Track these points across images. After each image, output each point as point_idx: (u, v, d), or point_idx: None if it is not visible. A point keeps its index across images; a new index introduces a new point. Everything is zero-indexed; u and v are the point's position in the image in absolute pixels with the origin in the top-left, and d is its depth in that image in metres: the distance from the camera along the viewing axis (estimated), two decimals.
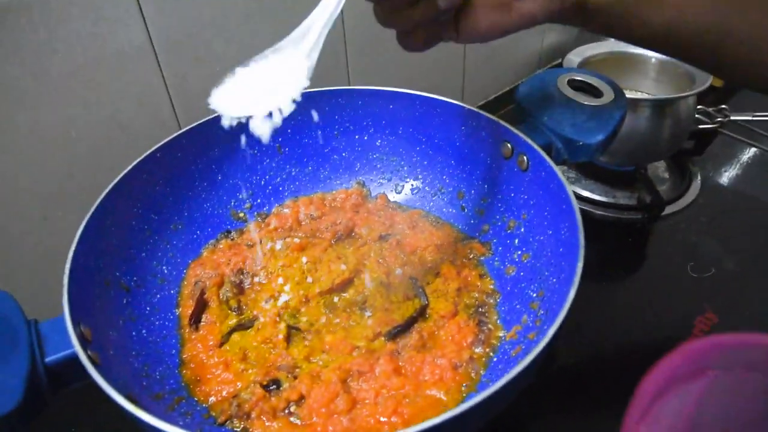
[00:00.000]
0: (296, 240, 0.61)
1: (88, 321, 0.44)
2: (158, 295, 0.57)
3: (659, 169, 0.87)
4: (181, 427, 0.34)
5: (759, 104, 0.95)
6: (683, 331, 0.64)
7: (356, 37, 0.83)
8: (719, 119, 0.90)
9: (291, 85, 0.41)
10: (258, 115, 0.40)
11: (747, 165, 0.90)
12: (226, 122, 0.40)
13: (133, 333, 0.51)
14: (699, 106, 0.90)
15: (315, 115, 0.64)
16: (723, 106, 0.92)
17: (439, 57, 0.98)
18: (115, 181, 0.54)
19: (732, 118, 0.91)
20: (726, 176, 0.87)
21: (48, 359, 0.40)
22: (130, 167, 0.56)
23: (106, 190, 0.53)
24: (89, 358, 0.39)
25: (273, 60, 0.43)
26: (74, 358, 0.40)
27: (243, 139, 0.45)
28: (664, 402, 0.37)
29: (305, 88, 0.42)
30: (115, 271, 0.53)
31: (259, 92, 0.41)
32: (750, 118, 0.94)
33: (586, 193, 0.81)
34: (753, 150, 0.93)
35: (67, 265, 0.45)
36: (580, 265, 0.44)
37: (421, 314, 0.54)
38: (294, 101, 0.41)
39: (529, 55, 1.21)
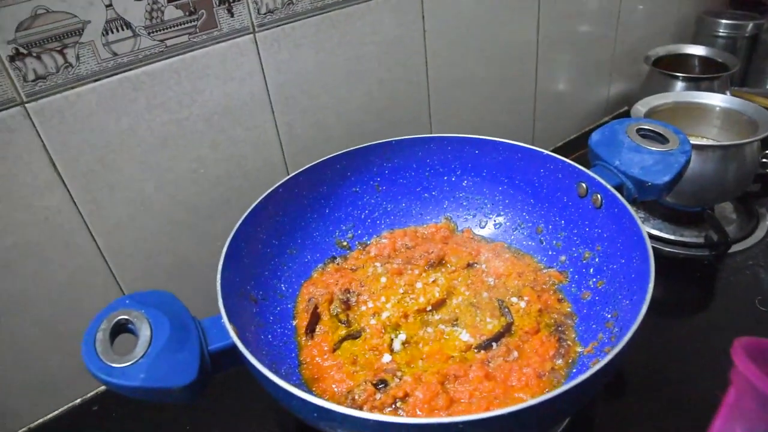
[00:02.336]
0: (395, 265, 0.70)
1: (233, 322, 0.54)
2: (279, 308, 0.67)
3: (726, 210, 0.92)
4: None
5: None
6: None
7: (438, 89, 0.93)
8: None
9: None
10: None
11: None
12: None
13: (261, 337, 0.61)
14: (766, 151, 0.95)
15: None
16: None
17: (511, 107, 1.08)
18: (249, 210, 0.65)
19: None
20: None
21: (211, 347, 0.50)
22: (259, 199, 0.66)
23: (243, 217, 0.64)
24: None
25: None
26: (230, 348, 0.50)
27: None
28: None
29: None
30: (247, 285, 0.63)
31: None
32: None
33: (655, 232, 0.87)
34: None
35: (219, 275, 0.56)
36: (650, 286, 0.51)
37: (507, 330, 0.62)
38: None
39: (597, 103, 1.28)
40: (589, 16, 1.12)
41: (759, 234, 0.87)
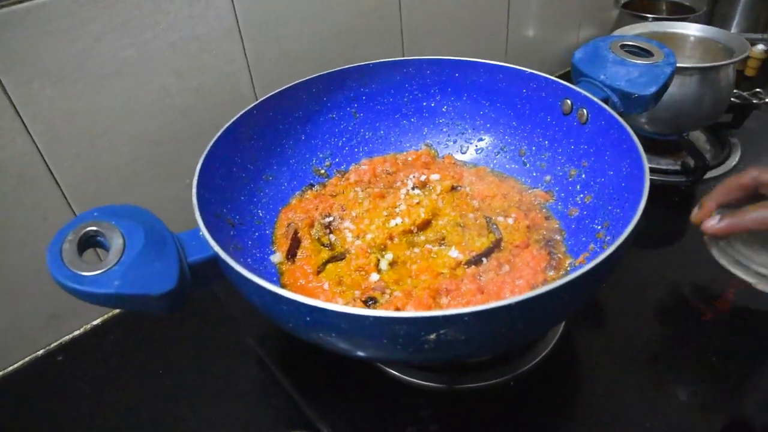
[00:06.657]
0: (376, 190, 0.67)
1: None
2: (257, 233, 0.63)
3: (700, 140, 0.93)
4: None
5: None
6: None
7: (411, 25, 0.90)
8: (755, 102, 0.95)
9: None
10: None
11: None
12: None
13: (240, 260, 0.57)
14: (735, 90, 0.95)
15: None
16: (757, 89, 0.98)
17: (483, 53, 1.05)
18: (222, 129, 0.60)
19: (767, 100, 0.97)
20: (765, 146, 0.92)
21: (190, 259, 0.46)
22: (233, 119, 0.62)
23: (216, 136, 0.59)
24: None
25: None
26: (210, 260, 0.46)
27: None
28: None
29: None
30: (223, 208, 0.59)
31: None
32: None
33: None
34: None
35: (194, 190, 0.52)
36: (647, 184, 0.50)
37: (497, 246, 0.60)
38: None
39: (567, 49, 1.27)
40: None
41: (731, 162, 0.88)
